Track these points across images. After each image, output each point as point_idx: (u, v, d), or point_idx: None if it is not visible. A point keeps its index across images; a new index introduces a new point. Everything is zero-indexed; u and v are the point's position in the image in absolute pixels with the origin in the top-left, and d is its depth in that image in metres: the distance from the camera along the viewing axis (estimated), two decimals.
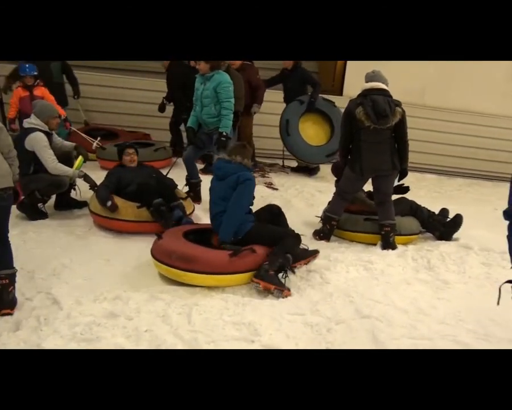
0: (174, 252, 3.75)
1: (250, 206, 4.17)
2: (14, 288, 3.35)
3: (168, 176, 5.32)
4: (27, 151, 4.81)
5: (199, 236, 4.21)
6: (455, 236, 5.01)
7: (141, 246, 4.44)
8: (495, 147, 8.97)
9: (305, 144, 7.37)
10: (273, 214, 4.31)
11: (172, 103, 7.41)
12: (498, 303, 2.42)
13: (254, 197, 4.16)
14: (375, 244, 4.73)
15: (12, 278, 3.33)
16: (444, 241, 4.92)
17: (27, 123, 4.94)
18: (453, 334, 3.25)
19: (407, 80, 8.73)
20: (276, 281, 3.72)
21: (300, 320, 3.33)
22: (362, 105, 4.51)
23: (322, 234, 4.83)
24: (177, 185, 5.20)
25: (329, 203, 5.02)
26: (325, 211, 4.95)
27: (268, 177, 7.30)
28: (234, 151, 4.14)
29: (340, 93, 8.83)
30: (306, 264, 4.17)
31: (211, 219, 4.17)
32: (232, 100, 5.21)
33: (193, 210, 5.14)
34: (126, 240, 4.60)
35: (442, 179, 8.67)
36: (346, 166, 4.81)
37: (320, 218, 4.99)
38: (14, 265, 3.38)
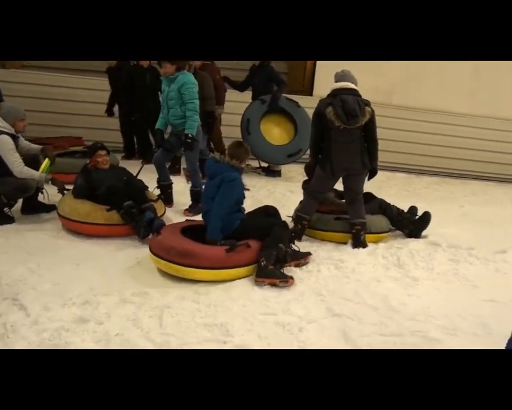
0: (173, 248, 3.86)
1: (241, 205, 4.32)
2: None
3: (138, 178, 5.27)
4: None
5: (196, 232, 4.24)
6: (424, 233, 5.09)
7: (111, 250, 4.40)
8: (462, 145, 9.17)
9: (266, 143, 7.37)
10: (269, 215, 4.41)
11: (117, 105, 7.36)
12: None
13: (244, 197, 4.33)
14: (345, 243, 4.77)
15: None
16: (413, 239, 5.00)
17: None
18: (423, 330, 3.30)
19: (376, 79, 8.86)
20: (278, 274, 3.86)
21: (271, 320, 3.34)
22: (332, 105, 4.53)
23: (294, 233, 4.83)
24: (147, 187, 5.16)
25: (300, 202, 5.05)
26: (296, 211, 4.97)
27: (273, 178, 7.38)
28: (236, 151, 4.26)
29: (310, 93, 8.91)
30: (296, 266, 4.19)
31: (203, 216, 4.35)
32: (197, 101, 5.18)
33: (164, 212, 5.10)
34: (96, 244, 4.53)
35: (412, 178, 8.83)
36: (316, 166, 4.84)
37: (291, 218, 5.01)
38: None
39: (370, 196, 5.20)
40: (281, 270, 3.94)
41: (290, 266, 4.13)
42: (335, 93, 4.60)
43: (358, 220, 4.70)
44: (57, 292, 3.58)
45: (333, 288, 3.85)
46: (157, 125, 5.44)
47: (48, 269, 3.96)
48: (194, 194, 5.51)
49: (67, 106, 7.92)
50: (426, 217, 5.09)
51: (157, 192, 5.47)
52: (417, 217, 5.16)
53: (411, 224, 5.11)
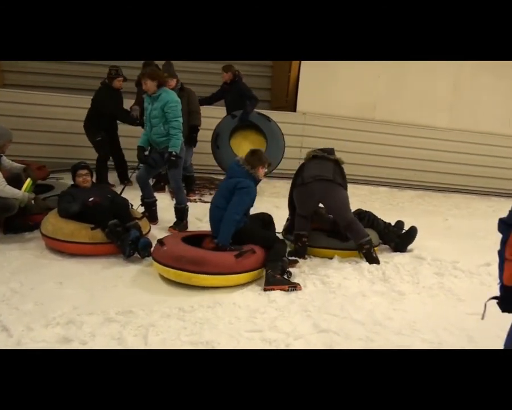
0: (183, 256, 4.00)
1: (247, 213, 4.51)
2: None
3: (121, 196, 5.24)
4: None
5: (196, 241, 4.43)
6: (409, 247, 5.12)
7: (96, 268, 4.35)
8: (444, 159, 9.26)
9: (234, 157, 7.31)
10: (265, 221, 4.73)
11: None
12: (483, 318, 2.44)
13: (252, 205, 4.54)
14: (331, 258, 4.78)
15: None
16: (398, 253, 5.02)
17: None
18: (409, 344, 3.30)
19: (359, 95, 8.97)
20: (286, 281, 4.14)
21: (258, 337, 3.31)
22: None
23: (296, 252, 4.83)
24: (131, 204, 5.13)
25: (287, 220, 5.19)
26: (295, 231, 4.95)
27: None
28: (249, 158, 4.51)
29: (294, 109, 8.96)
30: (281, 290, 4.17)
31: (210, 209, 4.58)
32: (180, 119, 5.17)
33: (149, 230, 5.07)
34: (80, 262, 4.48)
35: (394, 192, 8.89)
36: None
37: (290, 241, 5.00)
38: None
39: (358, 211, 5.25)
40: (288, 278, 4.21)
41: (273, 289, 4.08)
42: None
43: (363, 239, 4.72)
44: (40, 312, 3.53)
45: (319, 304, 3.85)
46: (139, 142, 5.41)
47: (30, 289, 3.91)
48: (179, 211, 5.47)
49: (47, 123, 7.86)
50: (412, 232, 5.13)
51: (142, 209, 5.43)
52: (403, 231, 5.20)
53: (397, 238, 5.14)
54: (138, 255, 4.53)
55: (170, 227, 5.44)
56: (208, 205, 6.37)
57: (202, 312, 3.63)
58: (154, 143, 5.28)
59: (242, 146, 7.44)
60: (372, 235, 5.01)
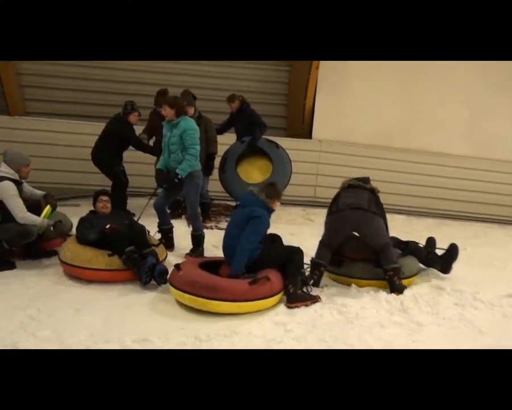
0: (198, 282, 4.04)
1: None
2: None
3: (138, 222, 5.27)
4: None
5: (213, 267, 4.49)
6: (427, 276, 5.05)
7: (112, 295, 4.36)
8: (461, 187, 9.16)
9: (239, 181, 7.29)
10: (274, 241, 4.70)
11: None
12: None
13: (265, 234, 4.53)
14: (349, 285, 4.76)
15: None
16: (416, 283, 4.95)
17: None
18: None
19: (374, 122, 8.97)
20: (307, 296, 4.26)
21: None
22: None
23: (312, 280, 4.74)
24: (148, 231, 5.15)
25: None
26: (312, 258, 4.88)
27: None
28: (265, 188, 4.56)
29: (309, 136, 8.98)
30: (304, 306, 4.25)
31: (224, 238, 4.59)
32: (197, 147, 5.23)
33: (166, 257, 5.08)
34: (97, 289, 4.50)
35: (412, 220, 8.79)
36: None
37: (308, 266, 4.89)
38: None
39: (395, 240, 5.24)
40: (308, 291, 4.30)
41: (297, 307, 4.19)
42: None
43: (389, 266, 4.69)
44: (57, 339, 3.54)
45: (336, 334, 3.80)
46: (158, 165, 5.49)
47: (48, 315, 3.93)
48: (196, 238, 5.48)
49: (69, 151, 7.97)
50: (453, 250, 5.14)
51: (158, 236, 5.45)
52: (442, 250, 5.21)
53: (441, 259, 5.14)
54: (155, 282, 4.53)
55: (186, 254, 5.44)
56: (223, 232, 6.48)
57: (218, 342, 3.61)
58: (172, 170, 5.29)
59: (249, 171, 7.49)
60: (410, 264, 4.95)
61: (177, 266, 4.31)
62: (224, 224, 6.89)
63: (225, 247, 4.56)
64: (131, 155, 7.13)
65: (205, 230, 5.66)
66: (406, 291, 4.67)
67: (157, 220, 5.55)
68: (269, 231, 6.27)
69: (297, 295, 4.21)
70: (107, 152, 6.73)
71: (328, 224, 4.94)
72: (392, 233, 7.48)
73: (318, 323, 3.99)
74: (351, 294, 4.60)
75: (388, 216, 8.50)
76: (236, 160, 7.42)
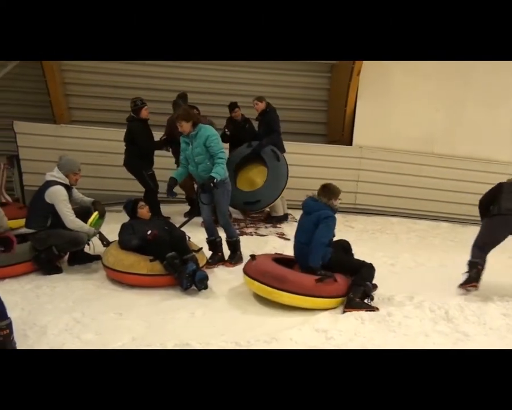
0: (268, 272, 4.32)
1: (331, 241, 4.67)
2: (13, 337, 3.35)
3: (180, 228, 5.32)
4: (46, 204, 4.87)
5: (283, 264, 4.60)
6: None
7: (154, 300, 4.42)
8: None
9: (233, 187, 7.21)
10: (345, 247, 4.87)
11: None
12: None
13: (334, 234, 4.69)
14: None
15: (11, 327, 3.34)
16: (460, 292, 4.82)
17: (50, 175, 5.02)
18: None
19: (416, 128, 8.82)
20: (364, 305, 4.31)
21: None
22: None
23: (470, 280, 4.79)
24: (189, 237, 5.20)
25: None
26: (470, 259, 4.91)
27: (280, 227, 7.27)
28: (321, 192, 4.68)
29: (350, 142, 8.91)
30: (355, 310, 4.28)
31: (294, 246, 4.75)
32: (224, 150, 5.18)
33: (206, 262, 5.11)
34: (139, 294, 4.57)
35: (457, 227, 8.57)
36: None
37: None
38: (27, 319, 3.35)
39: None
40: (369, 303, 4.36)
41: (350, 311, 4.23)
42: None
43: None
44: (101, 342, 3.62)
45: (378, 343, 3.72)
46: (174, 174, 5.35)
47: (92, 319, 4.02)
48: (232, 244, 5.47)
49: (112, 158, 8.11)
50: None
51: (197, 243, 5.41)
52: None
53: None
54: (195, 288, 4.56)
55: (225, 261, 5.45)
56: (263, 238, 6.48)
57: (258, 347, 3.59)
58: (202, 180, 5.18)
59: (247, 176, 7.48)
60: None
61: (253, 257, 4.64)
62: (264, 231, 6.94)
63: (298, 255, 4.72)
64: (161, 161, 7.19)
65: (244, 237, 5.67)
66: (451, 300, 4.54)
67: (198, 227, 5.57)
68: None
69: (355, 302, 4.29)
70: (132, 157, 6.78)
71: (486, 224, 4.93)
72: (437, 240, 7.40)
73: (359, 331, 3.93)
74: (394, 302, 4.50)
75: (433, 224, 8.50)
76: (238, 164, 7.40)
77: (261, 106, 7.36)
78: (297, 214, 7.79)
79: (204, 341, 3.63)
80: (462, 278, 4.87)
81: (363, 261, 4.61)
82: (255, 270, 4.46)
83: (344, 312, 4.23)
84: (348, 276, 4.51)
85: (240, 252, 5.52)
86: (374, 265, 4.54)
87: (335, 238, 4.79)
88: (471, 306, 4.44)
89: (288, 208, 8.23)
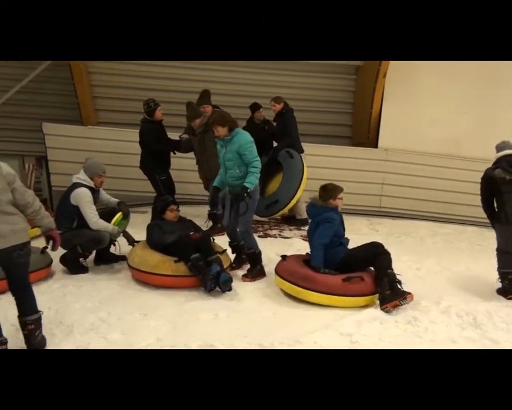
0: (297, 273, 4.52)
1: (344, 239, 4.83)
2: (41, 331, 3.47)
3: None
4: (71, 205, 4.96)
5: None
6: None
7: (178, 301, 4.44)
8: None
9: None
10: (375, 247, 4.67)
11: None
12: None
13: (343, 231, 4.86)
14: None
15: (38, 322, 3.45)
16: (490, 297, 4.73)
17: (75, 178, 5.12)
18: None
19: (443, 131, 8.70)
20: (396, 296, 4.32)
21: None
22: (499, 166, 4.89)
23: (504, 291, 4.80)
24: (213, 238, 5.21)
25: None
26: (499, 268, 4.91)
27: (304, 230, 7.23)
28: (321, 194, 4.79)
29: (375, 145, 8.83)
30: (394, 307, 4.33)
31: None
32: (258, 159, 4.93)
33: (230, 264, 5.12)
34: (164, 294, 4.60)
35: (484, 231, 8.38)
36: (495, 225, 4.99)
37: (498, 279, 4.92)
38: (54, 318, 3.42)
39: None
40: (400, 288, 4.37)
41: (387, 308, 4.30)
42: (499, 160, 4.97)
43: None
44: (126, 341, 3.65)
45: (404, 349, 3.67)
46: (215, 183, 5.22)
47: (117, 318, 4.06)
48: (251, 257, 5.17)
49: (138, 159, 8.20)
50: None
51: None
52: None
53: None
54: (219, 290, 4.57)
55: (243, 275, 5.12)
56: (288, 240, 6.49)
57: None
58: (230, 186, 5.09)
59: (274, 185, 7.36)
60: None
61: (284, 257, 4.82)
62: (288, 233, 6.93)
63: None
64: (178, 162, 7.19)
65: (268, 239, 5.60)
66: (478, 306, 4.46)
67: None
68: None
69: (385, 296, 4.33)
70: (145, 160, 6.72)
71: (502, 234, 4.92)
72: (464, 244, 7.27)
73: (384, 336, 3.88)
74: (420, 307, 4.43)
75: (459, 227, 8.37)
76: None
77: (278, 107, 7.30)
78: None
79: (228, 343, 3.63)
80: (498, 285, 4.86)
81: (376, 249, 4.62)
82: (286, 271, 4.64)
83: (382, 309, 4.29)
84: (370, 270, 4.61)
85: (261, 266, 5.20)
86: (387, 250, 4.58)
87: (363, 241, 4.84)
88: (501, 312, 4.35)
89: None
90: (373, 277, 4.51)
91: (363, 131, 9.23)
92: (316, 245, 4.64)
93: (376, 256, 4.54)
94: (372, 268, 4.62)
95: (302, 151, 7.40)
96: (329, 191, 4.79)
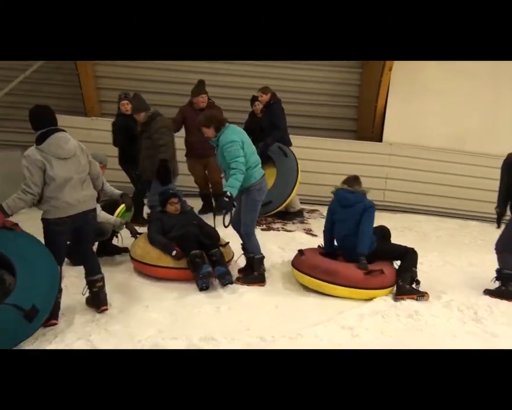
0: (319, 266, 4.53)
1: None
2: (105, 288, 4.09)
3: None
4: None
5: (328, 255, 4.85)
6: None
7: (180, 294, 4.45)
8: None
9: None
10: (385, 233, 4.98)
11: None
12: None
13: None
14: None
15: (104, 280, 4.11)
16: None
17: None
18: None
19: (448, 126, 8.66)
20: (414, 291, 4.50)
21: None
22: None
23: (503, 294, 4.62)
24: (217, 231, 5.18)
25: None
26: (500, 270, 4.74)
27: (307, 223, 7.24)
28: (352, 183, 4.77)
29: (380, 139, 8.80)
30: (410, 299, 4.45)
31: (341, 239, 4.79)
32: (238, 159, 4.49)
33: (232, 257, 5.11)
34: (166, 287, 4.60)
35: (486, 226, 8.36)
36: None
37: (494, 280, 4.77)
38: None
39: None
40: (417, 288, 4.52)
41: (403, 298, 4.43)
42: None
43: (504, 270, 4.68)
44: (127, 334, 3.66)
45: (405, 343, 3.68)
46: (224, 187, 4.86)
47: (119, 310, 4.07)
48: (250, 261, 4.86)
49: None
50: None
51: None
52: None
53: None
54: (220, 284, 4.60)
55: (236, 278, 4.82)
56: (290, 234, 6.46)
57: (282, 343, 3.59)
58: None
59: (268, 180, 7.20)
60: None
61: (301, 252, 4.81)
62: (292, 226, 6.90)
63: (343, 248, 4.80)
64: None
65: (271, 232, 5.54)
66: (480, 301, 4.48)
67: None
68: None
69: (405, 288, 4.45)
70: (119, 154, 6.63)
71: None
72: (467, 239, 7.25)
73: (386, 330, 3.90)
74: (421, 300, 4.44)
75: (462, 222, 8.35)
76: None
77: (266, 98, 6.96)
78: (325, 210, 7.77)
79: (229, 336, 3.65)
80: (493, 285, 4.75)
81: (406, 247, 4.72)
82: (305, 264, 4.64)
83: (396, 299, 4.40)
84: (390, 262, 4.70)
85: (261, 274, 4.80)
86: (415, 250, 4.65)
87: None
88: (502, 306, 4.37)
89: (316, 204, 8.22)
90: (393, 269, 4.62)
91: (368, 125, 9.19)
92: (367, 234, 4.60)
93: (406, 252, 4.63)
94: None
95: (290, 144, 7.19)
96: (360, 181, 4.82)
